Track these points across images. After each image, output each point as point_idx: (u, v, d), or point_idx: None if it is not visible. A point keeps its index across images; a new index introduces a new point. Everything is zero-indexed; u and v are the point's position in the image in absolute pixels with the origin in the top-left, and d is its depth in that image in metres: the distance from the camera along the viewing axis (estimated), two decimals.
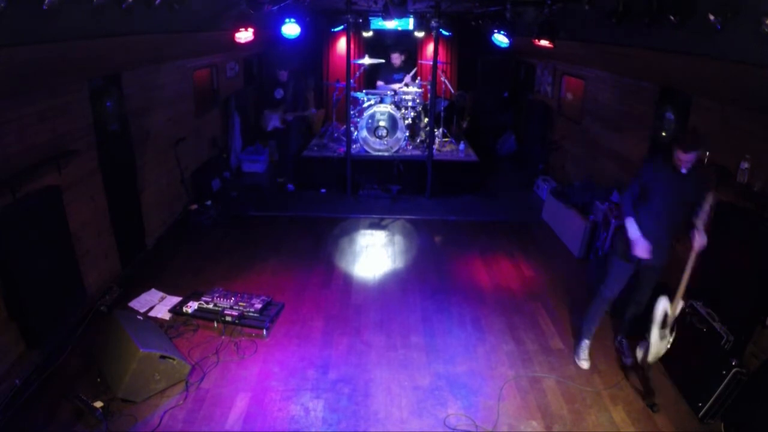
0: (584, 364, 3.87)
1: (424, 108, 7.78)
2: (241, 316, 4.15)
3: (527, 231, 6.34)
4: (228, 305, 4.22)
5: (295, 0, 5.62)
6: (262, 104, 9.33)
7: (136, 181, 5.13)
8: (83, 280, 4.17)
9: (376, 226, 6.42)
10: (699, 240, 3.16)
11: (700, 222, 3.16)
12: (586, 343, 3.92)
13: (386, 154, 7.39)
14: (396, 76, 7.75)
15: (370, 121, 7.28)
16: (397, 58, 7.85)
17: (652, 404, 3.47)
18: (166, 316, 4.26)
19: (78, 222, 4.12)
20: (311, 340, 4.09)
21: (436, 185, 7.26)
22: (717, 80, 3.66)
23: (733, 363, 3.25)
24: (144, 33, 4.12)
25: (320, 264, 5.37)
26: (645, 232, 3.38)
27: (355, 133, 7.41)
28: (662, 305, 3.32)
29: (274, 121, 7.16)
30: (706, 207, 3.15)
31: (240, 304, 4.25)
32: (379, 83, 7.97)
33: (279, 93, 7.19)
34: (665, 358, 3.87)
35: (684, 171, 3.25)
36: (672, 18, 3.15)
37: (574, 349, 3.98)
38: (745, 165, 3.51)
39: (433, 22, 6.73)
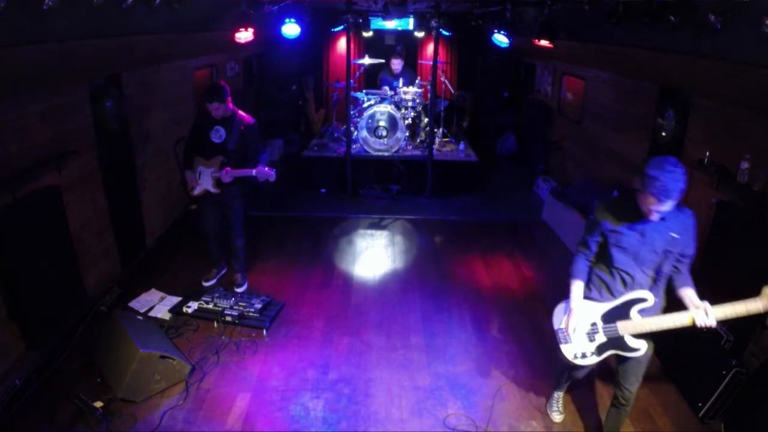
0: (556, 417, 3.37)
1: (424, 108, 7.77)
2: (241, 316, 4.15)
3: (527, 231, 6.33)
4: (228, 305, 4.23)
5: (295, 0, 5.62)
6: (262, 106, 9.08)
7: (136, 181, 5.12)
8: (83, 280, 4.16)
9: (376, 226, 6.41)
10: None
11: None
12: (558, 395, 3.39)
13: (386, 154, 7.38)
14: (395, 83, 7.72)
15: (370, 121, 7.27)
16: (397, 64, 7.85)
17: None
18: (166, 316, 4.26)
19: (78, 222, 4.12)
20: (311, 340, 4.09)
21: (436, 185, 7.26)
22: (717, 80, 3.66)
23: (733, 363, 3.25)
24: (144, 33, 4.13)
25: (320, 264, 5.37)
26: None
27: (355, 133, 7.40)
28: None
29: (205, 181, 4.32)
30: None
31: (240, 304, 4.26)
32: (384, 88, 7.92)
33: (218, 135, 4.23)
34: (666, 358, 3.88)
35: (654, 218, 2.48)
36: (672, 18, 3.16)
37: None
38: (745, 165, 3.51)
39: (433, 22, 6.73)
